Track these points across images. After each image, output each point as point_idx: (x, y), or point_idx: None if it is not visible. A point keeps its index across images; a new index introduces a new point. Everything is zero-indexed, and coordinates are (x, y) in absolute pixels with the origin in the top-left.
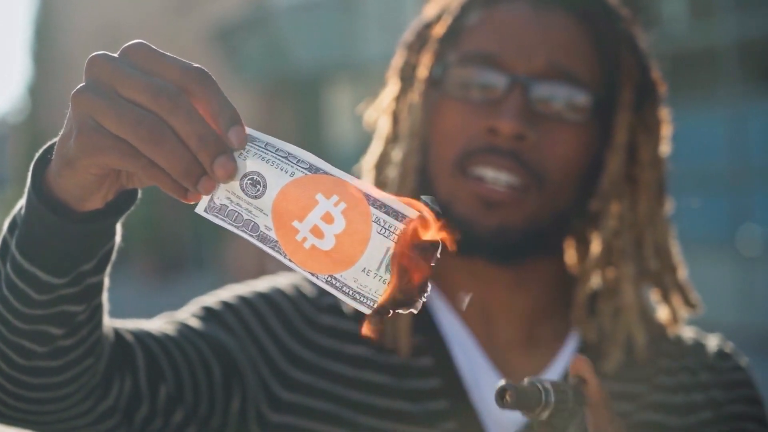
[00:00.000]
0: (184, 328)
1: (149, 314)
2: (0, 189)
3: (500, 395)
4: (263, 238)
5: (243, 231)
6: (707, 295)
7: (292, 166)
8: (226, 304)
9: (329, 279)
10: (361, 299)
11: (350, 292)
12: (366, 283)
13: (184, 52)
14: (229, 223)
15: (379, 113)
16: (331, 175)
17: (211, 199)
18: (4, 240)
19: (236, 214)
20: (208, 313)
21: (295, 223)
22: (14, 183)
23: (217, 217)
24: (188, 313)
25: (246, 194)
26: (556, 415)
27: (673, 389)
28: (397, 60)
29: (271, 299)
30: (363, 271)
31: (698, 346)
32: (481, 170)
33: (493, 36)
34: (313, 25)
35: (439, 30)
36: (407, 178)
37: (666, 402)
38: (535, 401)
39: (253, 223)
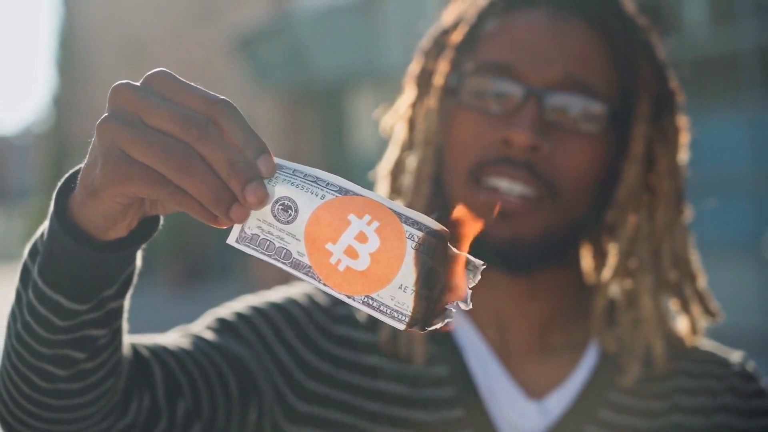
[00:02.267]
0: (200, 342)
1: (175, 323)
2: (24, 199)
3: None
4: (296, 265)
5: (276, 259)
6: (732, 300)
7: (322, 189)
8: (240, 316)
9: (366, 299)
10: (399, 317)
11: (388, 311)
12: (403, 300)
13: (207, 62)
14: (262, 252)
15: (395, 120)
16: (361, 195)
17: (242, 230)
18: (26, 266)
19: (268, 242)
20: (222, 325)
21: (329, 246)
22: (39, 193)
23: (248, 247)
24: (203, 326)
25: (278, 220)
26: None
27: (692, 411)
28: (414, 67)
29: (285, 310)
30: (400, 287)
31: (720, 365)
32: (495, 181)
33: (508, 46)
34: (335, 33)
35: (455, 37)
36: (421, 186)
37: (684, 424)
38: None
39: (285, 251)
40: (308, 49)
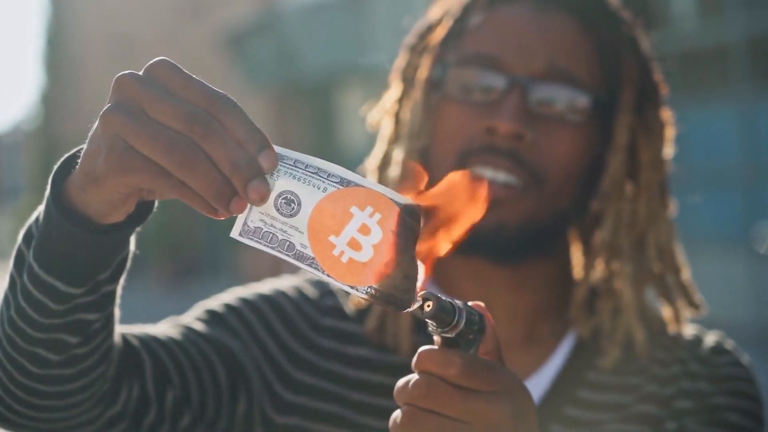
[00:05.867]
0: (189, 332)
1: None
2: (14, 197)
3: (421, 302)
4: (300, 257)
5: (279, 251)
6: (721, 293)
7: (323, 182)
8: (229, 307)
9: (369, 290)
10: (402, 304)
11: (392, 300)
12: (406, 287)
13: (196, 59)
14: (265, 245)
15: (382, 115)
16: (362, 186)
17: (245, 223)
18: (20, 251)
19: (271, 235)
20: (212, 317)
21: (332, 238)
22: (29, 191)
23: (252, 240)
24: (192, 317)
25: (281, 213)
26: (459, 337)
27: (665, 381)
28: (400, 62)
29: (273, 301)
30: (404, 277)
31: (695, 340)
32: (479, 170)
33: (493, 38)
34: (323, 29)
35: (440, 32)
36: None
37: (658, 393)
38: (448, 319)
39: (288, 243)
40: (297, 46)
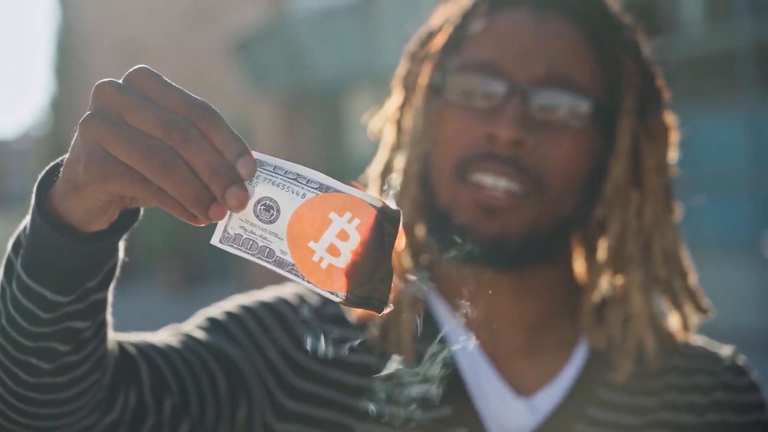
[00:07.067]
0: (189, 340)
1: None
2: (22, 203)
3: None
4: (280, 263)
5: (259, 258)
6: (730, 299)
7: (302, 188)
8: (230, 315)
9: (348, 295)
10: (381, 306)
11: (371, 302)
12: (384, 290)
13: (205, 65)
14: (245, 252)
15: (384, 122)
16: (341, 192)
17: (225, 230)
18: (9, 260)
19: (251, 242)
20: (212, 324)
21: (311, 244)
22: None
23: (232, 246)
24: (193, 325)
25: (260, 220)
26: None
27: (683, 408)
28: (401, 69)
29: (274, 309)
30: (382, 281)
31: (711, 360)
32: (480, 177)
33: (493, 44)
34: (332, 35)
35: (440, 39)
36: (409, 185)
37: (675, 421)
38: None
39: (268, 249)
40: (305, 52)
